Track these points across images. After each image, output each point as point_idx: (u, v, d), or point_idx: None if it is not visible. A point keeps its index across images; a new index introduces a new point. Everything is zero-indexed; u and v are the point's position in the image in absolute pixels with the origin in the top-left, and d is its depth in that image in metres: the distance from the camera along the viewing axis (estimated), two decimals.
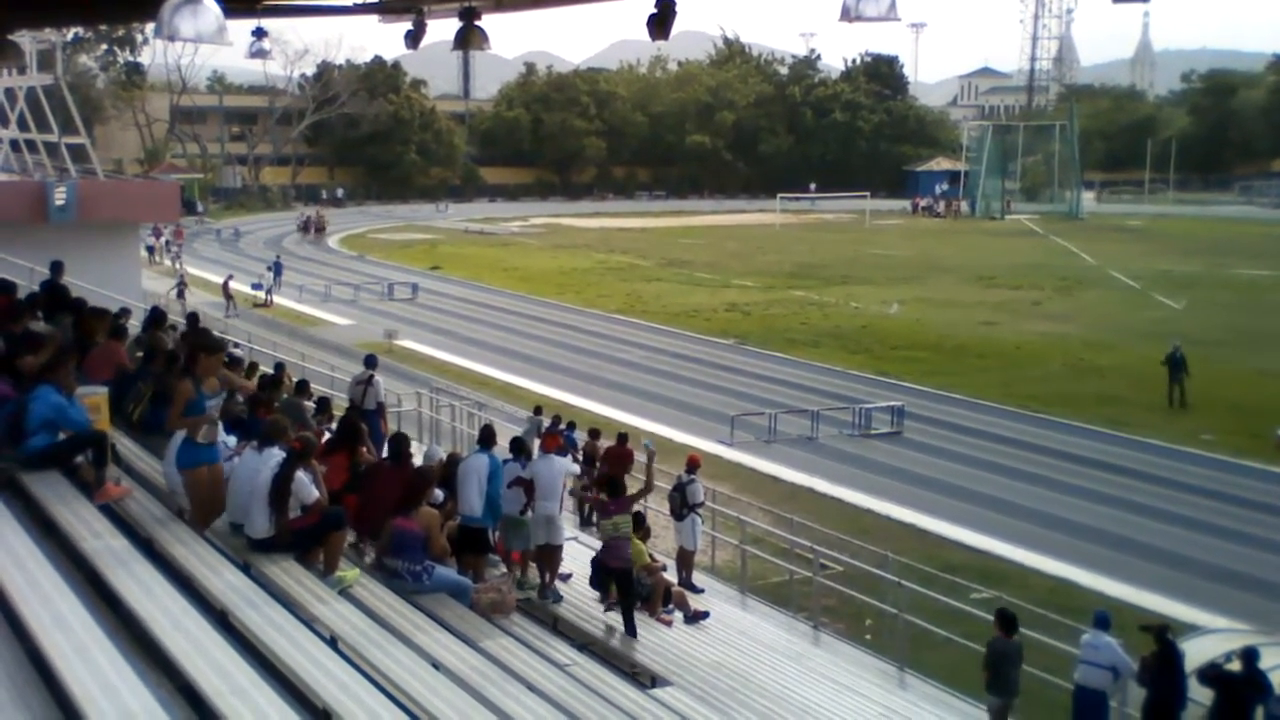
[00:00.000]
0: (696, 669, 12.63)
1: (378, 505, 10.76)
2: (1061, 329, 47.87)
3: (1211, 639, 14.55)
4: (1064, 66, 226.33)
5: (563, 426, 21.55)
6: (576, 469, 14.66)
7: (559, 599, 13.52)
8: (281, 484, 9.26)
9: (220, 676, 6.49)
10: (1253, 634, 15.28)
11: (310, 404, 15.18)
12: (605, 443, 20.75)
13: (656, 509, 20.15)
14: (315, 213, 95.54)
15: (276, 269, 57.88)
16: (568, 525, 16.39)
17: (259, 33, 14.78)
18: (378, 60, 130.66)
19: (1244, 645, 12.84)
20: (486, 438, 13.32)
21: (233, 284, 50.82)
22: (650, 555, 15.26)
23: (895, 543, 20.18)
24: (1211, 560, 22.24)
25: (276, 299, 53.17)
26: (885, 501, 25.48)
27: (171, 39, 9.44)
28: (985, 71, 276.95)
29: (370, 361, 19.65)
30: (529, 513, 13.52)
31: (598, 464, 19.94)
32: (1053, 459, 29.12)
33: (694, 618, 14.81)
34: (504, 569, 13.54)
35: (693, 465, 18.57)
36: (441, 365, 39.26)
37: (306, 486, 9.44)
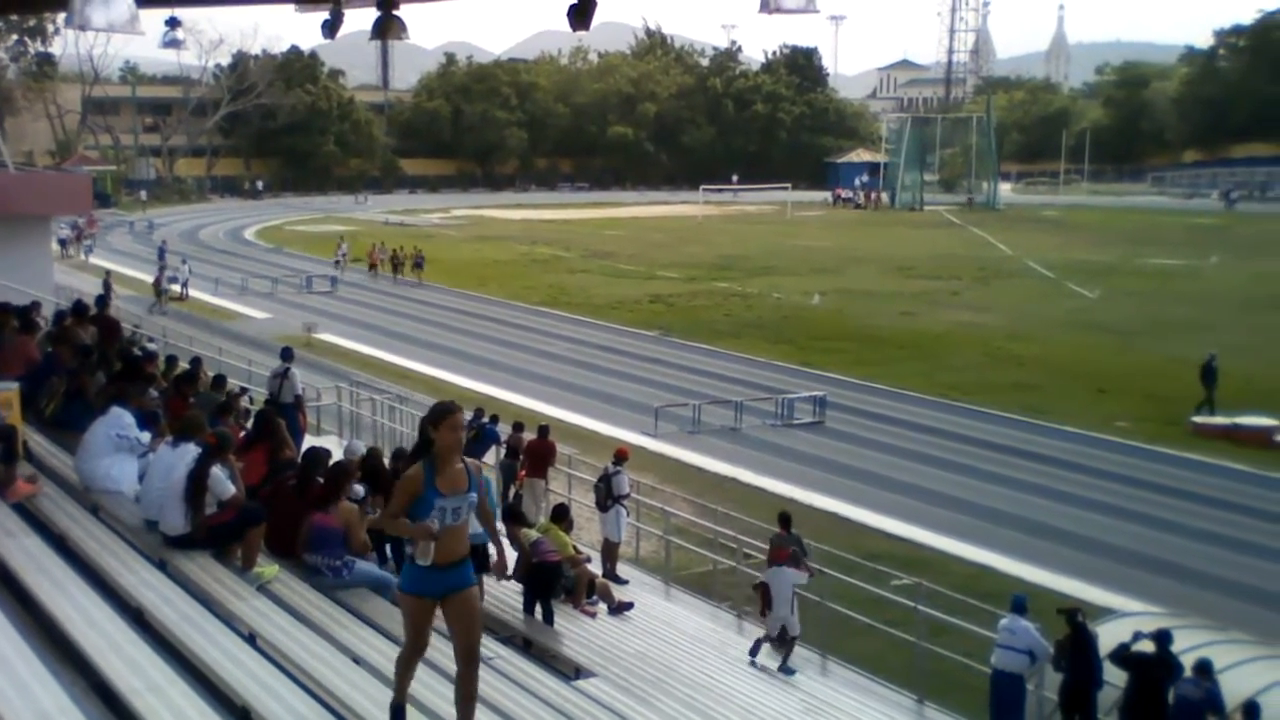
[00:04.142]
0: (621, 660, 12.64)
1: (281, 528, 10.22)
2: (980, 319, 48.48)
3: (1125, 622, 14.82)
4: (981, 59, 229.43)
5: (485, 420, 21.46)
6: (804, 579, 15.19)
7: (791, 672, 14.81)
8: (197, 480, 9.15)
9: (136, 674, 6.42)
10: (1165, 617, 15.59)
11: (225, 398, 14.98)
12: (529, 435, 20.70)
13: (581, 501, 20.18)
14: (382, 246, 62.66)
15: (161, 254, 56.61)
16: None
17: (172, 22, 14.56)
18: (294, 50, 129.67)
19: (1156, 628, 13.10)
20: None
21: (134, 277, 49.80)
22: (575, 547, 15.26)
23: (818, 531, 20.28)
24: (1127, 545, 22.63)
25: (192, 292, 52.23)
26: (808, 491, 25.62)
27: (83, 28, 9.31)
28: (904, 64, 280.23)
29: (286, 354, 19.59)
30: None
31: (521, 457, 19.92)
32: (973, 447, 29.49)
33: (618, 609, 14.82)
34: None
35: (620, 457, 18.59)
36: (363, 359, 38.89)
37: (223, 482, 9.33)
